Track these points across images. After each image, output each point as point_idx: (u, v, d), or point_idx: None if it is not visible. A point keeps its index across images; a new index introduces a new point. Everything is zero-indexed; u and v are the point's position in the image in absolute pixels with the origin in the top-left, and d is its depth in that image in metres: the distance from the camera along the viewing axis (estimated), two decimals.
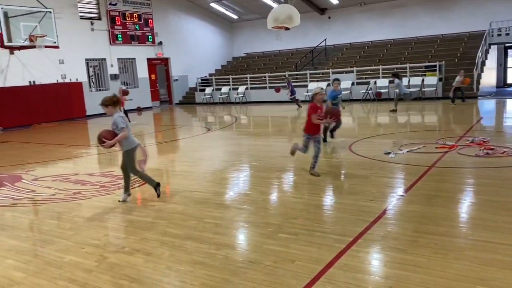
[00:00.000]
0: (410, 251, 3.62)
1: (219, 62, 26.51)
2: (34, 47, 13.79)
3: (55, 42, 14.25)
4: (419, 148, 7.79)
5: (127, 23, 20.75)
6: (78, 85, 18.59)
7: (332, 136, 9.20)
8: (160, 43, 22.39)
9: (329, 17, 23.58)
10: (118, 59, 20.59)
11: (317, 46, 22.83)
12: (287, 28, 14.62)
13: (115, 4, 20.17)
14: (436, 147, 7.72)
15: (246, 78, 22.33)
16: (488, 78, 19.14)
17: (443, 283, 3.07)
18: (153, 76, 22.65)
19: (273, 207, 5.30)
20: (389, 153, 7.46)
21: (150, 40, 21.94)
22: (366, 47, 22.49)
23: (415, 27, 21.27)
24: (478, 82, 16.90)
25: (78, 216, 5.21)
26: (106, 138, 5.33)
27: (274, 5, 20.88)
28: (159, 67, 23.40)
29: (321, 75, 20.49)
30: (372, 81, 18.45)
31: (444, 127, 11.20)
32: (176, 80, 23.97)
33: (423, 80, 17.31)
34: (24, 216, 5.46)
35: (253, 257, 3.71)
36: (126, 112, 13.00)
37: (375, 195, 5.26)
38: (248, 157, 8.53)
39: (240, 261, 3.67)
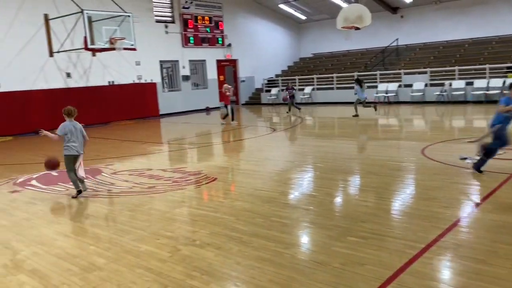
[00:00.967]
0: (489, 262, 3.42)
1: (285, 63, 26.57)
2: (113, 49, 14.70)
3: (132, 45, 15.09)
4: (500, 154, 7.28)
5: (199, 26, 21.44)
6: (152, 86, 19.55)
7: None
8: (229, 45, 22.90)
9: (402, 16, 22.78)
10: (190, 60, 21.37)
11: (388, 46, 22.14)
12: (357, 28, 14.36)
13: (188, 8, 20.94)
14: None
15: (313, 78, 22.19)
16: None
17: None
18: (221, 77, 23.23)
19: (340, 209, 5.25)
20: (465, 158, 7.06)
21: (220, 42, 22.49)
22: (441, 47, 21.41)
23: (497, 25, 19.87)
24: None
25: (153, 209, 5.51)
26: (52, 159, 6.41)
27: (344, 5, 20.55)
28: (227, 69, 23.94)
29: (392, 76, 19.84)
30: (447, 82, 17.55)
31: None
32: (243, 81, 24.39)
33: (504, 82, 16.14)
34: (104, 206, 5.89)
35: (321, 258, 3.70)
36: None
37: (450, 202, 5.02)
38: (313, 158, 8.49)
39: (308, 261, 3.68)
